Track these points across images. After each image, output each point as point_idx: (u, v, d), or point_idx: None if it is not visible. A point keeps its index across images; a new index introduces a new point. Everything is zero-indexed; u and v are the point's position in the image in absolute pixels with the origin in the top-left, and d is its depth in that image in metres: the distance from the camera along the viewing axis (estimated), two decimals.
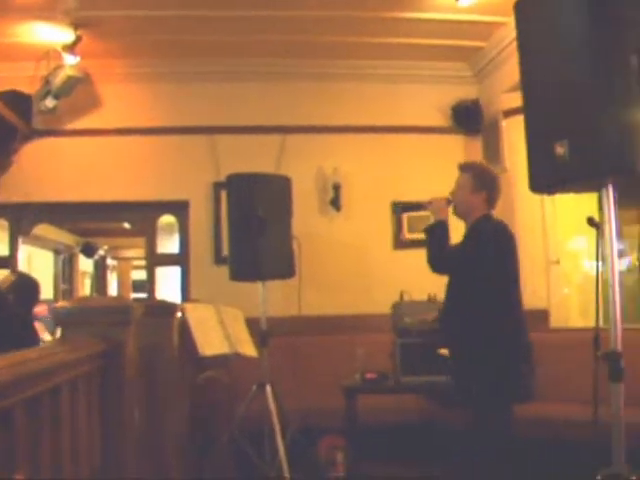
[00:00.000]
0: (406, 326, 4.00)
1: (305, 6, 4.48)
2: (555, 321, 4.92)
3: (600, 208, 2.05)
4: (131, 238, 8.48)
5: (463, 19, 4.67)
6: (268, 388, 3.71)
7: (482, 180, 3.14)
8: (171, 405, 2.85)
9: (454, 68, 5.50)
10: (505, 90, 4.97)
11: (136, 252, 9.28)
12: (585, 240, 5.07)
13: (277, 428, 3.59)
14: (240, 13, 4.54)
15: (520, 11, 2.18)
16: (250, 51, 5.17)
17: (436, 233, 3.14)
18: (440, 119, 5.54)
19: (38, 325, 4.26)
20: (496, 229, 3.09)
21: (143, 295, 6.31)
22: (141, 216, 5.49)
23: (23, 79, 4.86)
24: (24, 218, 5.31)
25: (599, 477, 1.93)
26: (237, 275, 3.97)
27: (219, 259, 5.19)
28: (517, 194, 4.82)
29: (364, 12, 4.58)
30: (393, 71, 5.47)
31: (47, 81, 4.72)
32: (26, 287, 3.88)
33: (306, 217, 5.08)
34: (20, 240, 5.32)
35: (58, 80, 4.66)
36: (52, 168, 5.20)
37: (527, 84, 2.16)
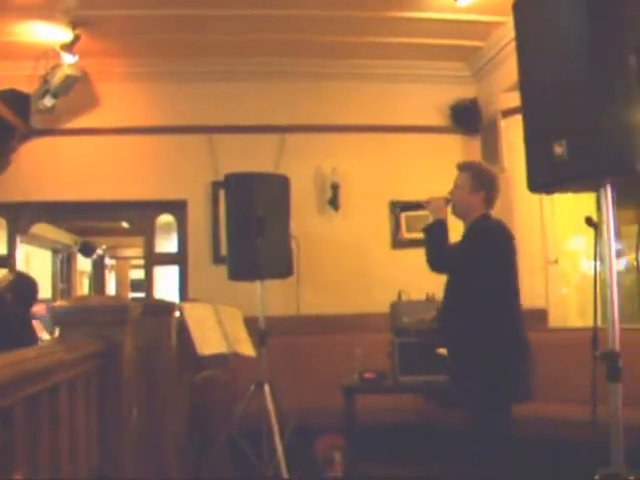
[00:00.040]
0: (404, 326, 4.00)
1: (303, 5, 4.48)
2: (553, 321, 4.93)
3: (598, 208, 2.05)
4: (129, 237, 8.48)
5: (462, 19, 4.67)
6: (266, 388, 3.71)
7: (481, 180, 3.14)
8: (169, 404, 2.85)
9: (453, 68, 5.50)
10: (504, 90, 4.97)
11: (134, 251, 9.29)
12: (583, 240, 5.07)
13: (275, 428, 3.60)
14: (238, 12, 4.53)
15: (519, 11, 2.18)
16: (249, 51, 5.16)
17: (435, 232, 3.14)
18: (439, 119, 5.54)
19: (36, 324, 4.25)
20: (495, 229, 3.10)
21: (141, 294, 6.30)
22: (139, 215, 5.49)
23: (21, 78, 4.84)
24: (22, 217, 5.31)
25: (597, 477, 1.93)
26: (235, 274, 3.97)
27: (217, 258, 5.19)
28: (516, 194, 4.82)
29: (363, 12, 4.58)
30: (391, 71, 5.47)
31: (45, 80, 4.71)
32: (24, 286, 3.88)
33: (304, 217, 5.09)
34: (18, 239, 5.32)
35: (56, 79, 4.65)
36: (50, 167, 5.20)
37: (526, 84, 2.16)
